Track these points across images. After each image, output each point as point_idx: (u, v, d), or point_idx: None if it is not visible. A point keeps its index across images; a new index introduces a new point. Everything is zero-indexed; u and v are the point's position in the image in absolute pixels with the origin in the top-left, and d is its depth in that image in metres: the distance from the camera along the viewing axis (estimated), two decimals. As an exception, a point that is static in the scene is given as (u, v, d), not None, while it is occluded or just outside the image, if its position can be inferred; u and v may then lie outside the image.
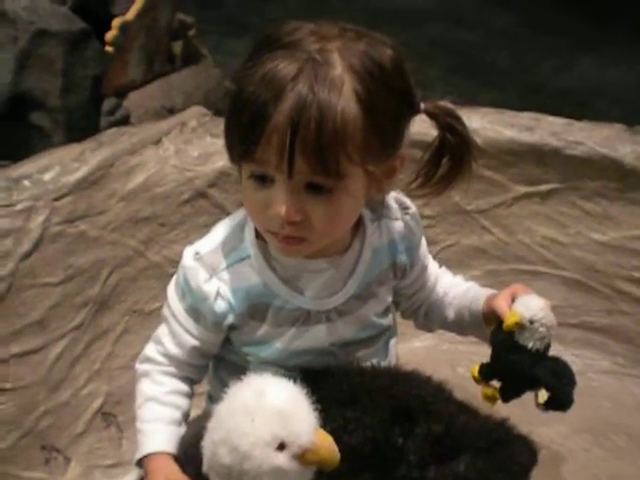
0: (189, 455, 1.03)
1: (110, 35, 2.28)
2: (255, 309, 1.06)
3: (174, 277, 1.10)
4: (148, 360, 1.11)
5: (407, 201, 1.13)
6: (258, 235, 1.05)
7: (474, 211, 1.61)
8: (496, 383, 1.12)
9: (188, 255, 1.05)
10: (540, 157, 1.55)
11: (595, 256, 1.59)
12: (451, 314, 1.20)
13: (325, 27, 0.96)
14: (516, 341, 1.08)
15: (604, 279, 1.59)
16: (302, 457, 0.89)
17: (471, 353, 1.39)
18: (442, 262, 1.25)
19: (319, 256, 1.05)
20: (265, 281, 1.05)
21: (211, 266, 1.04)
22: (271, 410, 0.88)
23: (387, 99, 0.95)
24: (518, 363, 1.09)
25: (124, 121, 2.20)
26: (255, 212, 0.99)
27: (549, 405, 1.10)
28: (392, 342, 1.18)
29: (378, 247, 1.10)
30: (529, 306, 1.08)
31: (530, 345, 1.08)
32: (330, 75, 0.91)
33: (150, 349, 1.11)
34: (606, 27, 3.23)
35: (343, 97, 0.91)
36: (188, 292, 1.06)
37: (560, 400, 1.10)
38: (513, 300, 1.10)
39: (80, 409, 1.38)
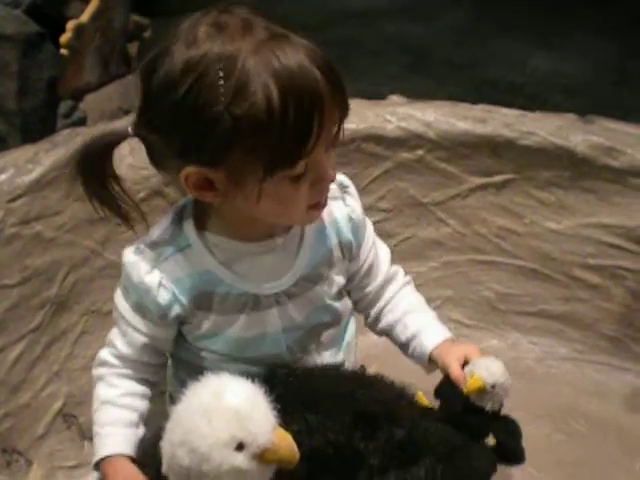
0: (149, 456, 1.02)
1: (65, 38, 2.27)
2: (200, 298, 1.06)
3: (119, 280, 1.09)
4: (102, 364, 1.11)
5: (345, 180, 1.14)
6: (197, 224, 1.05)
7: (430, 203, 1.62)
8: None
9: (128, 252, 1.06)
10: (494, 148, 1.57)
11: (551, 245, 1.60)
12: (401, 338, 1.20)
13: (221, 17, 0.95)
14: (472, 402, 1.10)
15: (560, 267, 1.61)
16: (261, 457, 0.89)
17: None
18: (399, 255, 1.25)
19: (260, 239, 1.06)
20: (207, 268, 1.05)
21: (152, 258, 1.04)
22: (229, 410, 0.88)
23: None
24: (473, 424, 1.12)
25: (81, 123, 2.20)
26: (298, 205, 1.00)
27: (500, 458, 1.14)
28: (350, 341, 1.18)
29: (320, 227, 1.11)
30: (491, 371, 1.09)
31: (488, 407, 1.10)
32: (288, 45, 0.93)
33: (104, 352, 1.11)
34: (559, 21, 3.26)
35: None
36: (131, 288, 1.05)
37: (513, 457, 1.15)
38: (465, 361, 1.12)
39: (41, 411, 1.37)
